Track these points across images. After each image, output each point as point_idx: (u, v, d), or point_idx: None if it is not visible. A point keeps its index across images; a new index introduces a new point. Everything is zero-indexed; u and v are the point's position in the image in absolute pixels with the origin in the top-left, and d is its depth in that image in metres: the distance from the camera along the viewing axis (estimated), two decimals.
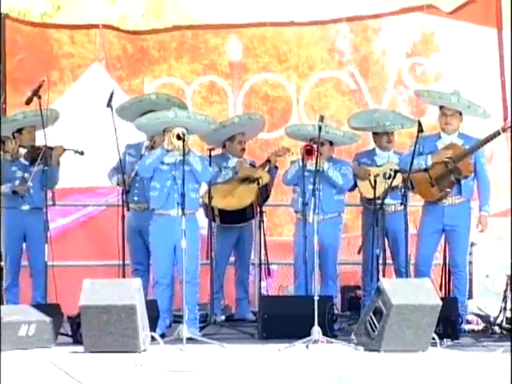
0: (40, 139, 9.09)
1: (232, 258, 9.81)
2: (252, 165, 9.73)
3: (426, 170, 8.73)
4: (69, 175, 9.49)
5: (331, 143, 9.20)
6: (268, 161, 9.66)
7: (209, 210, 9.33)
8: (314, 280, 8.19)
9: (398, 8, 11.08)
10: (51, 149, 8.96)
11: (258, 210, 9.52)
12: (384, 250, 9.08)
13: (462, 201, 8.79)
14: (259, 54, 11.52)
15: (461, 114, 8.86)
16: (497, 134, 8.66)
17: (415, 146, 8.69)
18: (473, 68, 10.64)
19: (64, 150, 9.05)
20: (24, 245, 9.18)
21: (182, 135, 8.23)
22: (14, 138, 9.14)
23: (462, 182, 8.75)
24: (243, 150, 9.71)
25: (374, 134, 9.54)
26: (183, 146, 8.20)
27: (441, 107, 8.90)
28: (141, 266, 9.19)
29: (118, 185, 9.27)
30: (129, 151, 9.27)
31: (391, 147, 9.52)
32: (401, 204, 8.80)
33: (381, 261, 8.92)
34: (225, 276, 9.69)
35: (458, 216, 8.76)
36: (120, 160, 8.98)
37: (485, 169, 8.87)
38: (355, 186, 9.39)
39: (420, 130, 8.74)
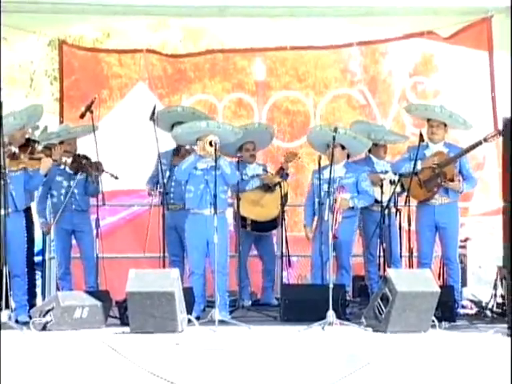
0: (82, 148, 9.17)
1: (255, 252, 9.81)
2: (264, 170, 9.70)
3: (415, 174, 8.71)
4: (116, 180, 9.50)
5: (343, 148, 9.06)
6: (281, 168, 9.65)
7: (238, 216, 9.26)
8: (329, 270, 8.16)
9: (402, 34, 11.04)
10: (93, 165, 8.93)
11: (281, 213, 9.51)
12: (389, 245, 9.08)
13: (449, 201, 8.78)
14: (281, 74, 11.52)
15: (445, 125, 8.85)
16: (479, 143, 8.66)
17: (417, 154, 8.71)
18: (467, 86, 10.59)
19: (102, 171, 9.03)
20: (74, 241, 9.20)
21: (214, 143, 8.25)
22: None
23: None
24: (252, 156, 9.62)
25: (372, 144, 9.49)
26: (215, 151, 8.21)
27: (428, 120, 8.90)
28: (176, 258, 9.20)
29: (149, 194, 9.41)
30: (162, 160, 9.26)
31: (385, 157, 9.52)
32: (395, 205, 8.88)
33: (382, 253, 8.94)
34: (248, 266, 9.68)
35: (447, 215, 8.75)
36: (161, 167, 9.00)
37: (471, 172, 8.89)
38: None
39: (421, 139, 8.75)
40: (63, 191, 9.04)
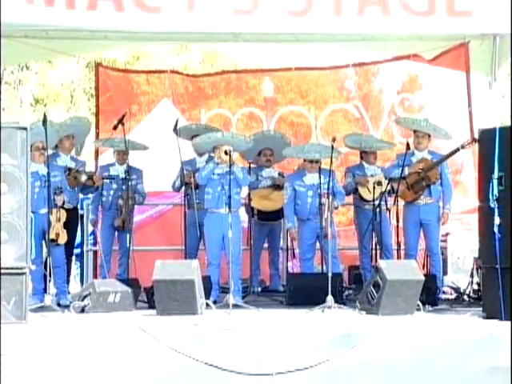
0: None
1: (266, 245, 9.79)
2: (280, 174, 9.70)
3: (403, 178, 8.69)
4: (145, 183, 9.51)
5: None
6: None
7: (249, 209, 9.31)
8: (328, 261, 8.12)
9: (391, 57, 11.03)
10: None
11: None
12: (380, 239, 9.05)
13: (432, 201, 8.75)
14: (286, 92, 11.50)
15: (429, 136, 8.84)
16: (457, 150, 8.67)
17: (404, 160, 8.68)
18: (447, 101, 10.58)
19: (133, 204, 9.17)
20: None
21: (228, 151, 8.25)
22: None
23: (432, 187, 8.73)
24: (268, 161, 9.56)
25: (363, 152, 9.47)
26: (230, 159, 8.22)
27: (414, 131, 8.90)
28: (193, 250, 9.17)
29: (176, 190, 9.43)
30: (185, 167, 9.27)
31: (375, 162, 9.48)
32: (386, 204, 8.86)
33: (374, 247, 8.91)
34: (260, 258, 9.67)
35: (430, 213, 8.72)
36: (182, 173, 8.98)
37: (448, 177, 8.85)
38: (356, 190, 9.31)
39: (408, 148, 8.73)
40: (112, 192, 9.09)
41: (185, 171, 9.17)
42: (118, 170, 9.11)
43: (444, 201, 8.78)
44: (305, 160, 8.94)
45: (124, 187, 8.97)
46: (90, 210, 9.36)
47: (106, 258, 9.07)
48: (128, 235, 8.85)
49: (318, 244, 8.83)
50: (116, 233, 9.12)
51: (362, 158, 9.48)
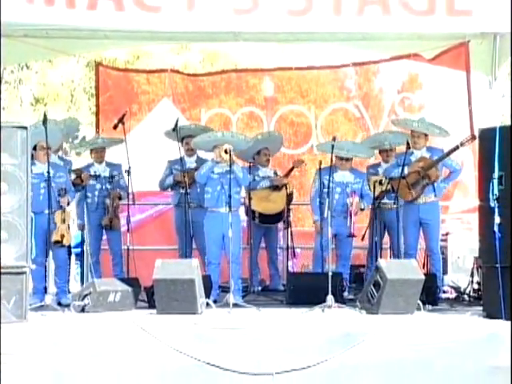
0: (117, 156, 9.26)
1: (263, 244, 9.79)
2: (275, 173, 9.70)
3: (403, 177, 8.68)
4: (145, 182, 9.51)
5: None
6: (291, 170, 9.68)
7: (249, 211, 9.27)
8: (329, 260, 8.12)
9: (391, 56, 11.03)
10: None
11: (287, 210, 9.51)
12: (382, 238, 9.04)
13: (432, 200, 8.72)
14: (287, 91, 11.49)
15: (426, 135, 8.82)
16: (456, 147, 8.64)
17: (404, 159, 8.65)
18: (447, 101, 10.58)
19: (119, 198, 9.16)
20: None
21: (228, 150, 8.25)
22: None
23: (435, 185, 8.70)
24: (267, 160, 9.58)
25: (380, 150, 9.48)
26: (230, 158, 8.21)
27: (411, 131, 8.90)
28: (187, 249, 9.16)
29: (165, 189, 9.44)
30: (173, 166, 9.27)
31: (391, 160, 9.40)
32: (394, 203, 8.81)
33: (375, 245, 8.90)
34: (259, 257, 9.65)
35: (430, 212, 8.69)
36: (183, 172, 8.97)
37: (454, 166, 8.81)
38: None
39: (408, 147, 8.72)
40: (96, 193, 9.11)
41: (174, 171, 9.18)
42: (99, 169, 9.14)
43: (448, 177, 8.76)
44: (336, 157, 8.89)
45: (108, 185, 9.01)
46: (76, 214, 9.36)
47: (95, 259, 9.07)
48: (118, 234, 8.86)
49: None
50: (105, 234, 9.11)
51: (381, 155, 9.48)
